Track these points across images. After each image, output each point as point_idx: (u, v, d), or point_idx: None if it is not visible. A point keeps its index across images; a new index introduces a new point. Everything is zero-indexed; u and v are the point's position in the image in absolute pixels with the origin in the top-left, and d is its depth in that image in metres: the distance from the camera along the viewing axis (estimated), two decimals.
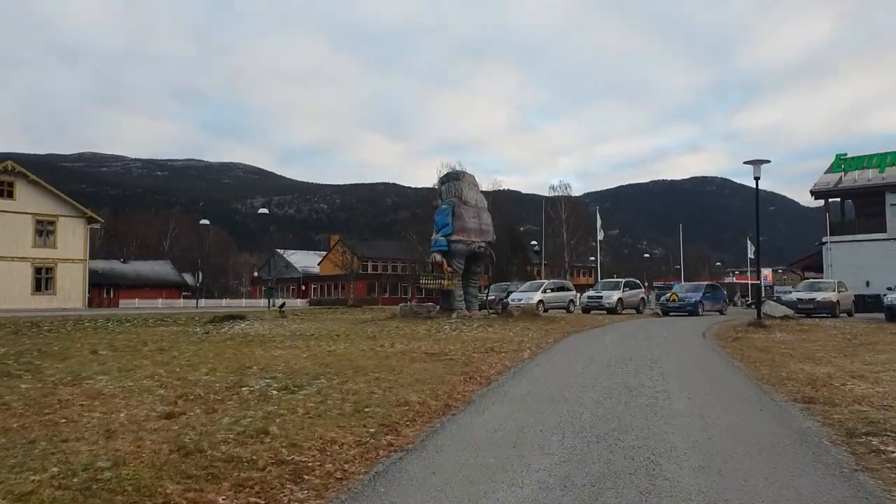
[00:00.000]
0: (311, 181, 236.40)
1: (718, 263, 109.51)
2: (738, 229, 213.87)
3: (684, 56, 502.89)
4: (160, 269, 70.66)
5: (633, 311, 31.12)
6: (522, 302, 30.67)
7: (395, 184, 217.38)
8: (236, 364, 9.43)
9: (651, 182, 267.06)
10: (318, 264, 79.77)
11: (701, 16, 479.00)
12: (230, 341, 14.10)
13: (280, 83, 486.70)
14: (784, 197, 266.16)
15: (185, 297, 70.00)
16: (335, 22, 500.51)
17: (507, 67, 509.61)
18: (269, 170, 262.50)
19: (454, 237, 20.12)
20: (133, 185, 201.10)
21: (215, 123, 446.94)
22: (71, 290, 39.20)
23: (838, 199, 39.47)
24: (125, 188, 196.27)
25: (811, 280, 29.60)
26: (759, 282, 21.10)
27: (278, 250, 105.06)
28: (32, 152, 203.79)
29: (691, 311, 27.78)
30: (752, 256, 69.54)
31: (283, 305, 25.91)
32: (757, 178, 19.46)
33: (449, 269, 20.07)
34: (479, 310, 22.01)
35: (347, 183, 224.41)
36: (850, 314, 26.16)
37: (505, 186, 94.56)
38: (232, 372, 8.50)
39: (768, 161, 19.41)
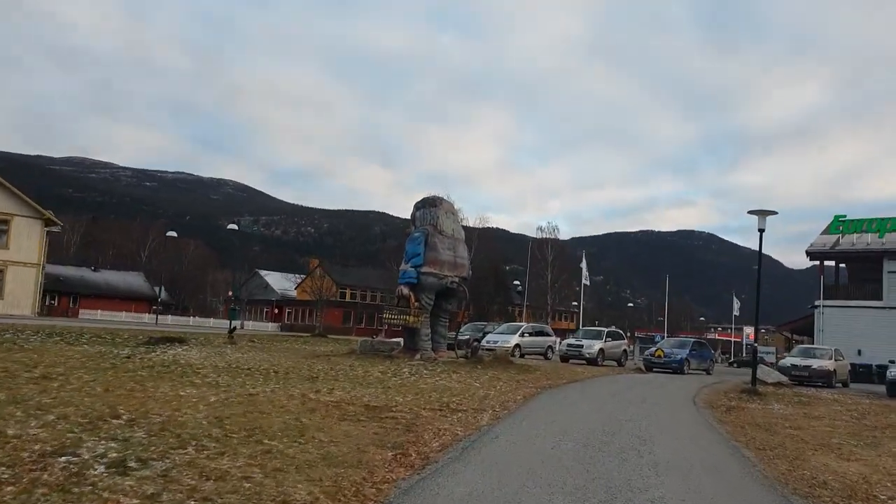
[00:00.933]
0: (300, 203, 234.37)
1: (702, 318, 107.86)
2: (722, 285, 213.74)
3: (676, 109, 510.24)
4: (132, 280, 67.99)
5: (615, 363, 29.06)
6: (498, 344, 28.55)
7: (384, 213, 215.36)
8: (107, 408, 7.24)
9: (638, 231, 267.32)
10: (295, 288, 77.22)
11: (696, 71, 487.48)
12: (144, 371, 11.86)
13: (275, 104, 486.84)
14: (769, 258, 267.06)
15: (155, 312, 67.19)
16: (333, 48, 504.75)
17: (501, 106, 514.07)
18: (259, 189, 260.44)
19: (425, 269, 18.09)
20: (120, 194, 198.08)
21: (208, 139, 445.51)
22: (20, 295, 36.56)
23: (833, 263, 37.86)
24: (112, 195, 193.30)
25: (806, 346, 27.74)
26: (754, 343, 19.10)
27: (259, 271, 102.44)
28: (21, 152, 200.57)
29: (676, 368, 25.75)
30: (737, 314, 67.93)
31: (233, 330, 23.60)
32: (761, 231, 17.65)
33: (416, 304, 17.98)
34: (450, 350, 19.88)
35: (336, 208, 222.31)
36: (845, 385, 24.24)
37: (492, 224, 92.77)
38: (83, 423, 6.31)
39: (775, 213, 17.64)
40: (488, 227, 76.14)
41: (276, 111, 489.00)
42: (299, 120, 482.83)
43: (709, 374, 27.99)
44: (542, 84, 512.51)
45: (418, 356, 17.73)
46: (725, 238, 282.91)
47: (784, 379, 21.65)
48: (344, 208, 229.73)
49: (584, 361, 27.34)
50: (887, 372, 20.22)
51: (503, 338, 29.19)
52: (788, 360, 23.79)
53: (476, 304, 70.25)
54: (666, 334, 71.05)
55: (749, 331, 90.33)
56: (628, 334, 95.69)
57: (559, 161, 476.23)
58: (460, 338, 30.78)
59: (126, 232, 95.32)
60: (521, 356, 29.13)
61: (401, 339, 19.85)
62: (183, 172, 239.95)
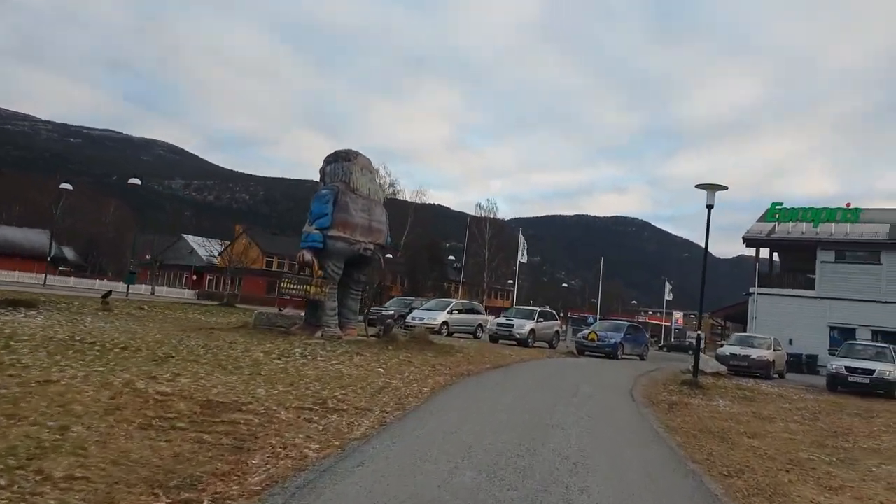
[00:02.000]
0: (236, 169, 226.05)
1: (634, 302, 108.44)
2: (652, 272, 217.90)
3: (619, 97, 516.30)
4: (35, 238, 62.51)
5: (546, 344, 27.14)
6: (424, 321, 26.21)
7: (322, 183, 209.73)
8: None
9: (575, 215, 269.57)
10: (219, 255, 72.92)
11: (640, 61, 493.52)
12: None
13: (216, 67, 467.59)
14: (698, 245, 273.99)
15: (62, 273, 62.08)
16: (281, 13, 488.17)
17: (450, 84, 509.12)
18: (194, 152, 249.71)
19: (333, 232, 15.42)
20: (40, 149, 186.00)
21: (141, 97, 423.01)
22: None
23: (767, 250, 36.94)
24: (31, 150, 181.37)
25: (744, 334, 26.40)
26: (698, 332, 17.26)
27: (185, 235, 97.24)
28: None
29: (610, 353, 23.96)
30: (669, 298, 67.71)
31: (107, 295, 20.45)
32: (710, 206, 15.72)
33: (320, 272, 15.33)
34: (371, 327, 17.37)
35: (273, 176, 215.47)
36: (782, 375, 22.93)
37: (434, 200, 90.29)
38: None
39: (724, 188, 15.71)
40: (427, 203, 73.48)
41: (216, 73, 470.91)
42: (241, 84, 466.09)
43: (643, 359, 26.38)
44: (491, 64, 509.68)
45: (319, 333, 15.13)
46: (658, 226, 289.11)
47: (722, 369, 20.06)
48: (281, 176, 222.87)
49: (514, 342, 25.30)
50: (828, 365, 18.79)
51: (430, 314, 26.86)
52: (727, 349, 22.25)
53: (410, 278, 67.93)
54: (598, 316, 70.39)
55: (678, 315, 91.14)
56: (561, 315, 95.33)
57: (504, 142, 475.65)
58: (383, 313, 28.35)
59: (35, 187, 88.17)
60: (449, 335, 26.90)
61: None
62: (111, 130, 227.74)
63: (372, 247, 16.19)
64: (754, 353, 21.31)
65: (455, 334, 27.95)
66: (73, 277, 57.36)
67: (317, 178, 17.36)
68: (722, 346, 25.52)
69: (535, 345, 25.85)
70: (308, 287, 15.20)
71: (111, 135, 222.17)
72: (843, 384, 17.75)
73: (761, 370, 20.90)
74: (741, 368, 20.88)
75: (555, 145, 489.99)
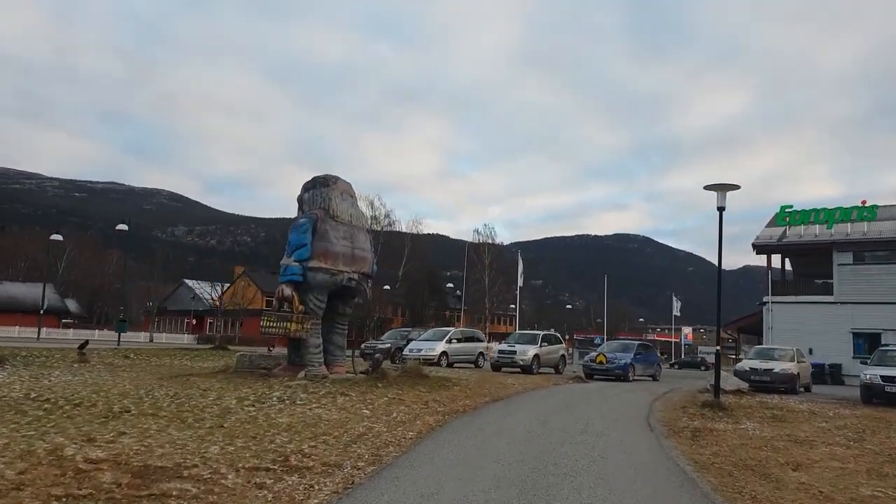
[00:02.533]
0: (236, 213, 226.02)
1: (641, 319, 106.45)
2: (658, 287, 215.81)
3: (608, 117, 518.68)
4: (37, 292, 61.14)
5: (552, 370, 25.57)
6: (422, 353, 24.73)
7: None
8: None
9: (575, 236, 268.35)
10: (219, 297, 71.59)
11: (626, 80, 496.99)
12: None
13: (210, 112, 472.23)
14: (701, 258, 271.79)
15: (66, 326, 60.77)
16: (269, 56, 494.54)
17: (438, 114, 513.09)
18: (194, 198, 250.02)
19: (313, 263, 14.06)
20: (47, 206, 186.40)
21: (141, 148, 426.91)
22: None
23: (779, 256, 35.41)
24: (38, 207, 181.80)
25: (763, 346, 24.74)
26: (716, 347, 15.66)
27: (186, 281, 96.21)
28: None
29: (620, 375, 22.40)
30: (678, 314, 65.97)
31: (83, 346, 19.07)
32: (721, 209, 14.34)
33: (301, 307, 13.95)
34: (371, 365, 15.93)
35: (273, 217, 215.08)
36: (807, 389, 21.30)
37: (431, 230, 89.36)
38: None
39: (737, 187, 14.34)
40: (424, 234, 72.05)
41: (210, 119, 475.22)
42: (235, 128, 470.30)
43: (656, 380, 24.78)
44: (477, 93, 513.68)
45: (302, 374, 13.67)
46: (660, 241, 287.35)
47: (743, 385, 18.45)
48: (280, 217, 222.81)
49: (517, 370, 23.76)
50: (861, 375, 17.19)
51: (428, 345, 25.36)
52: (746, 364, 20.64)
53: (410, 309, 66.41)
54: (605, 336, 68.65)
55: (688, 331, 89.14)
56: (566, 337, 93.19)
57: (496, 168, 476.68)
58: (379, 346, 26.86)
59: (39, 243, 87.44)
60: (449, 365, 25.37)
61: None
62: (114, 182, 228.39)
63: (356, 276, 14.81)
64: (777, 367, 19.72)
65: (455, 364, 26.44)
66: (72, 329, 55.96)
67: None
68: (740, 360, 23.91)
69: (539, 371, 24.30)
70: (289, 324, 13.79)
71: (114, 187, 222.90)
72: (878, 395, 16.16)
73: (786, 384, 19.30)
74: (764, 384, 19.28)
75: (548, 168, 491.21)
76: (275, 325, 14.03)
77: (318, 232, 14.31)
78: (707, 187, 14.48)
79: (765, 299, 33.05)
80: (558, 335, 27.30)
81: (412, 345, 25.72)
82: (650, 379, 24.72)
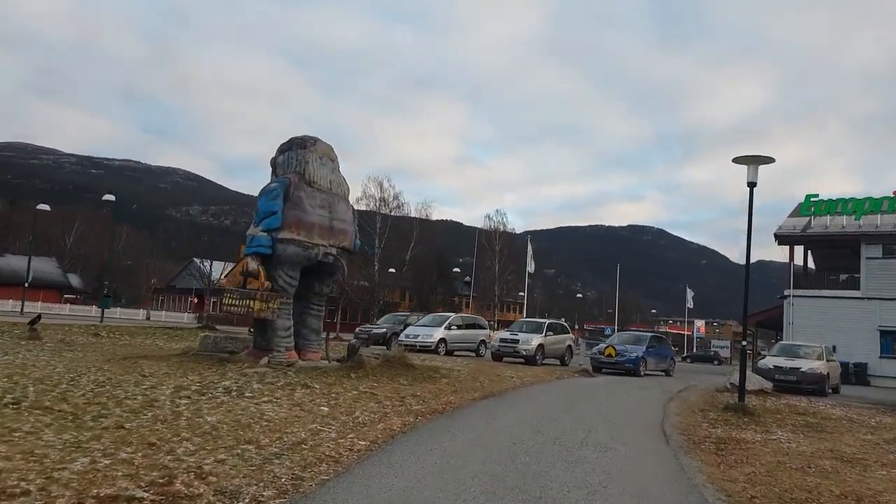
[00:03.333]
0: (252, 193, 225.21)
1: (654, 311, 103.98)
2: (670, 280, 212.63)
3: (627, 106, 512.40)
4: (41, 266, 60.12)
5: (558, 361, 23.67)
6: (419, 339, 22.94)
7: (370, 217, 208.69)
8: None
9: (589, 226, 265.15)
10: (222, 276, 70.24)
11: (646, 69, 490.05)
12: None
13: (228, 94, 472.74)
14: (715, 252, 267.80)
15: (67, 301, 59.61)
16: (288, 40, 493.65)
17: (455, 101, 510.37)
18: (210, 178, 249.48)
19: (284, 234, 12.20)
20: (64, 181, 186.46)
21: (159, 127, 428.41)
22: None
23: (801, 248, 33.14)
24: (55, 183, 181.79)
25: (788, 343, 22.60)
26: (743, 342, 13.64)
27: (195, 259, 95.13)
28: None
29: (631, 369, 20.48)
30: (691, 306, 63.68)
31: (34, 321, 17.40)
32: (752, 185, 12.30)
33: (267, 283, 12.13)
34: (347, 351, 14.10)
35: None
36: (836, 390, 19.25)
37: (446, 216, 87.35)
38: None
39: (770, 160, 12.29)
40: (439, 220, 69.80)
41: (229, 101, 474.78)
42: (253, 110, 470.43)
43: (669, 375, 22.82)
44: (496, 80, 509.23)
45: (265, 360, 11.86)
46: (674, 233, 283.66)
47: (767, 385, 16.44)
48: None
49: (520, 360, 21.90)
50: None
51: (425, 331, 23.52)
52: (770, 361, 18.58)
53: (418, 294, 64.65)
54: (616, 327, 66.53)
55: (700, 324, 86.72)
56: (576, 327, 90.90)
57: (513, 156, 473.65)
58: (374, 331, 25.10)
59: (48, 217, 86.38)
60: (449, 353, 23.57)
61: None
62: (131, 160, 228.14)
63: (334, 251, 12.92)
64: (804, 366, 17.66)
65: (456, 353, 24.63)
66: (69, 305, 54.77)
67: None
68: (761, 356, 21.89)
69: (544, 362, 22.42)
70: (252, 302, 11.96)
71: (131, 164, 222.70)
72: None
73: (814, 385, 17.28)
74: (790, 384, 17.25)
75: (564, 157, 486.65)
76: (237, 302, 12.21)
77: (291, 199, 12.43)
78: (737, 160, 12.44)
79: (786, 293, 30.86)
80: (565, 324, 25.35)
81: (408, 330, 23.91)
82: (663, 374, 22.77)
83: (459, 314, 26.35)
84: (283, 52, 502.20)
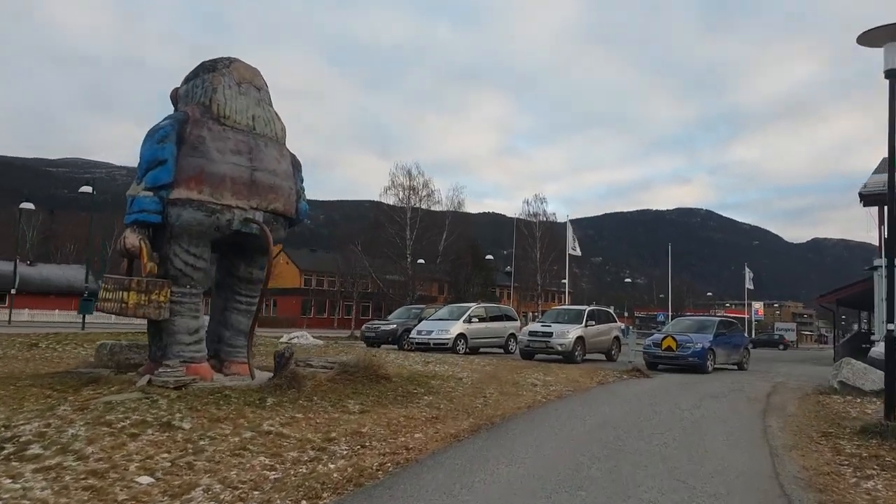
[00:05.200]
0: None
1: (710, 294, 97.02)
2: (722, 262, 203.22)
3: (672, 89, 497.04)
4: (72, 274, 58.21)
5: (603, 356, 19.11)
6: (433, 336, 18.75)
7: (380, 202, 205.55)
8: None
9: (636, 211, 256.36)
10: None
11: (691, 50, 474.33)
12: None
13: (272, 96, 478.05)
14: (766, 231, 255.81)
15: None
16: (329, 39, 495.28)
17: (498, 93, 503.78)
18: None
19: (178, 192, 8.10)
20: (116, 192, 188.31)
21: None
22: None
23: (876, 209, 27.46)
24: (108, 195, 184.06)
25: None
26: (890, 325, 9.12)
27: None
28: (20, 155, 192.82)
29: (696, 365, 15.80)
30: (751, 287, 57.67)
31: None
32: (891, 71, 7.56)
33: (151, 265, 8.06)
34: (275, 364, 9.86)
35: (332, 199, 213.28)
36: None
37: (489, 209, 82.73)
38: None
39: None
40: (467, 212, 64.51)
41: (273, 103, 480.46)
42: (296, 111, 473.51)
43: (743, 369, 18.03)
44: (538, 70, 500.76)
45: (145, 379, 7.74)
46: (723, 214, 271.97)
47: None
48: (340, 199, 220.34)
49: (558, 357, 17.43)
50: None
51: (440, 326, 19.26)
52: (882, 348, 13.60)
53: (454, 288, 60.34)
54: (670, 313, 60.97)
55: (758, 306, 79.94)
56: (625, 314, 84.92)
57: (556, 145, 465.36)
58: (383, 328, 20.99)
59: (86, 225, 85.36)
60: (473, 350, 19.36)
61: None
62: None
63: (260, 216, 8.69)
64: None
65: (481, 350, 20.32)
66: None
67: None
68: (872, 344, 16.86)
69: (586, 358, 17.90)
70: (126, 294, 7.86)
71: None
72: None
73: None
74: None
75: (608, 143, 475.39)
76: (110, 296, 8.15)
77: (189, 141, 8.28)
78: (863, 39, 7.72)
79: (876, 263, 25.34)
80: (610, 311, 20.66)
81: (421, 325, 19.69)
82: (735, 368, 17.97)
83: (482, 304, 21.92)
84: (323, 51, 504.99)
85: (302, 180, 9.68)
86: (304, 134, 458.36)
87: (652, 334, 19.88)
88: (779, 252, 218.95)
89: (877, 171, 27.32)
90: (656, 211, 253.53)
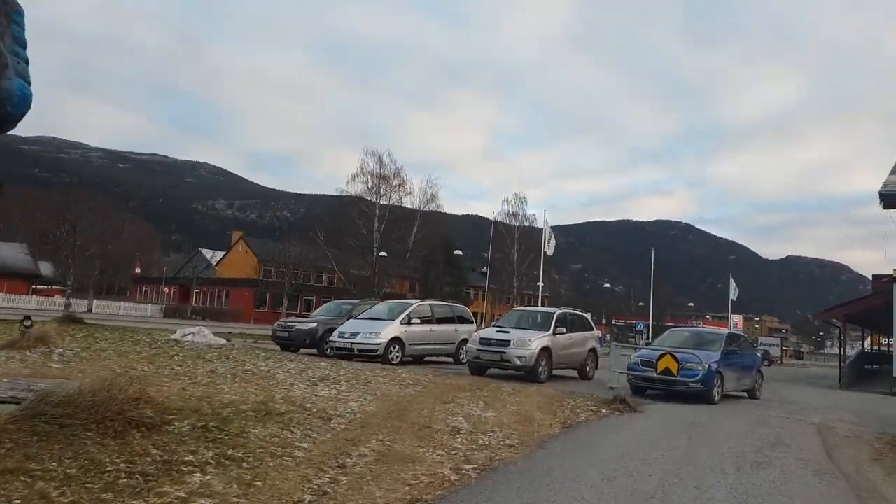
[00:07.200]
0: (277, 188, 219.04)
1: (691, 304, 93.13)
2: (700, 275, 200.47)
3: (657, 101, 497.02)
4: (8, 253, 52.83)
5: (575, 372, 14.75)
6: (357, 341, 14.27)
7: (362, 197, 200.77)
8: None
9: (616, 221, 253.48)
10: (217, 265, 62.23)
11: (677, 63, 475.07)
12: None
13: (258, 88, 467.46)
14: (743, 247, 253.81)
15: (36, 292, 52.17)
16: (318, 34, 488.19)
17: (484, 95, 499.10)
18: (237, 173, 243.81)
19: None
20: (90, 175, 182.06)
21: (186, 121, 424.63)
22: None
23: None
24: (81, 176, 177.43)
25: None
26: None
27: (202, 250, 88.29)
28: None
29: (702, 393, 11.48)
30: (734, 298, 53.75)
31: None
32: None
33: None
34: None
35: (314, 193, 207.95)
36: None
37: (472, 211, 78.17)
38: None
39: None
40: (438, 206, 58.86)
41: (258, 95, 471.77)
42: (282, 104, 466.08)
43: (754, 397, 13.72)
44: (525, 73, 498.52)
45: None
46: (702, 228, 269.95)
47: None
48: (321, 193, 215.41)
49: (516, 371, 13.01)
50: None
51: (370, 327, 14.70)
52: None
53: (423, 285, 55.83)
54: (651, 322, 57.01)
55: (737, 319, 76.21)
56: (602, 322, 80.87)
57: (540, 151, 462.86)
58: (299, 328, 16.45)
59: (43, 204, 79.73)
60: (417, 360, 14.97)
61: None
62: (158, 154, 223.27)
63: None
64: None
65: (426, 358, 15.93)
66: (34, 296, 47.34)
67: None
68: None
69: (554, 373, 13.53)
70: None
71: (158, 159, 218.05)
72: None
73: None
74: None
75: (592, 151, 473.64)
76: None
77: None
78: None
79: (895, 272, 21.38)
80: (585, 316, 16.19)
81: (346, 325, 15.12)
82: (745, 395, 13.67)
83: (428, 301, 17.32)
84: (313, 46, 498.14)
85: (19, 36, 5.11)
86: (288, 128, 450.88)
87: (634, 346, 15.48)
88: (754, 267, 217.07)
89: (893, 173, 23.36)
90: (636, 222, 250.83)
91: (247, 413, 6.17)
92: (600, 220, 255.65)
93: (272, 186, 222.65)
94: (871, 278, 35.42)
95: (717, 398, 11.82)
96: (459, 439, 6.18)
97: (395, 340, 14.51)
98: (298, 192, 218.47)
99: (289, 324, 16.61)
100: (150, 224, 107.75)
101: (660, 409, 10.34)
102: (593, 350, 15.20)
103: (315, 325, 16.03)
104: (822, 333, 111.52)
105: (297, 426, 5.85)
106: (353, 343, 14.26)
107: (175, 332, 16.62)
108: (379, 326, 14.65)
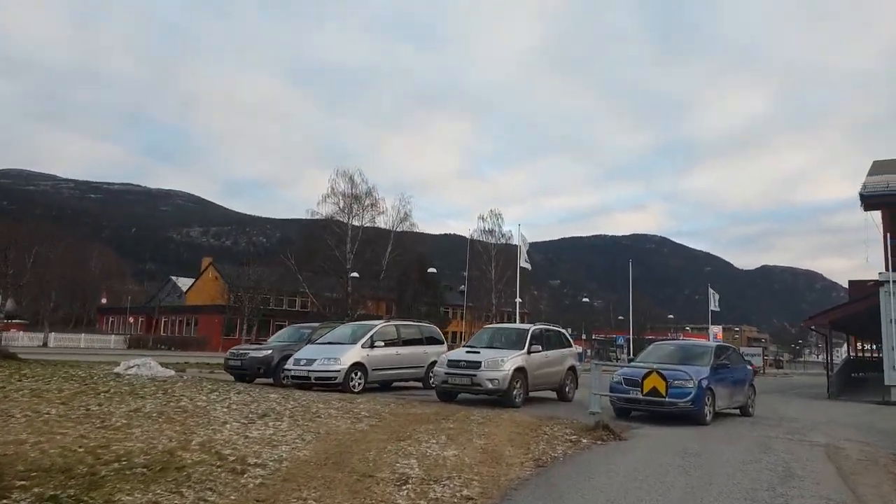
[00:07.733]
0: (251, 213, 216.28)
1: (671, 316, 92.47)
2: (676, 287, 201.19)
3: (629, 118, 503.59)
4: None
5: (554, 393, 13.56)
6: (314, 368, 12.98)
7: (338, 220, 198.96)
8: None
9: (592, 236, 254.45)
10: (186, 292, 60.22)
11: (647, 81, 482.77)
12: None
13: (231, 114, 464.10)
14: (718, 258, 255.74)
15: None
16: (291, 58, 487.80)
17: (459, 116, 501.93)
18: (211, 200, 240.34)
19: None
20: (61, 207, 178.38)
21: (159, 150, 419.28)
22: None
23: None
24: (52, 209, 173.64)
25: None
26: None
27: (172, 278, 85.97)
28: None
29: (692, 413, 10.36)
30: (715, 308, 53.10)
31: None
32: None
33: None
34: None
35: (288, 217, 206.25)
36: None
37: (451, 230, 77.16)
38: None
39: None
40: (411, 225, 57.19)
41: (231, 121, 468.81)
42: (256, 130, 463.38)
43: (747, 414, 12.62)
44: (499, 94, 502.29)
45: None
46: (677, 241, 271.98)
47: None
48: (297, 217, 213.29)
49: (489, 396, 11.79)
50: None
51: (328, 352, 13.37)
52: None
53: (400, 306, 54.40)
54: (631, 335, 56.18)
55: (717, 330, 75.67)
56: (582, 337, 79.69)
57: (516, 169, 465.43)
58: (253, 355, 15.07)
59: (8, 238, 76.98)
60: (384, 385, 13.72)
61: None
62: (130, 184, 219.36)
63: None
64: None
65: (394, 384, 14.65)
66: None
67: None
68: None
69: (531, 396, 12.32)
70: None
71: (130, 188, 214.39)
72: None
73: None
74: None
75: (567, 169, 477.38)
76: None
77: None
78: None
79: (881, 276, 20.59)
80: (563, 332, 14.99)
81: (302, 352, 13.77)
82: (737, 412, 12.57)
83: (393, 321, 16.01)
84: (286, 71, 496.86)
85: None
86: (263, 153, 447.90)
87: (615, 361, 14.34)
88: (730, 278, 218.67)
89: (872, 173, 22.79)
90: (612, 236, 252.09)
91: (136, 470, 4.86)
92: (577, 235, 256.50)
93: (247, 212, 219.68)
94: (845, 285, 34.96)
95: (708, 418, 10.69)
96: (405, 492, 4.92)
97: (357, 366, 13.20)
98: (274, 216, 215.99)
99: (241, 351, 15.17)
100: (120, 254, 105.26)
101: (647, 434, 9.16)
102: (572, 368, 14.02)
103: (270, 351, 14.64)
104: (800, 341, 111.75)
105: (195, 485, 4.56)
106: (309, 370, 12.93)
107: (119, 365, 15.13)
108: (338, 351, 13.33)
